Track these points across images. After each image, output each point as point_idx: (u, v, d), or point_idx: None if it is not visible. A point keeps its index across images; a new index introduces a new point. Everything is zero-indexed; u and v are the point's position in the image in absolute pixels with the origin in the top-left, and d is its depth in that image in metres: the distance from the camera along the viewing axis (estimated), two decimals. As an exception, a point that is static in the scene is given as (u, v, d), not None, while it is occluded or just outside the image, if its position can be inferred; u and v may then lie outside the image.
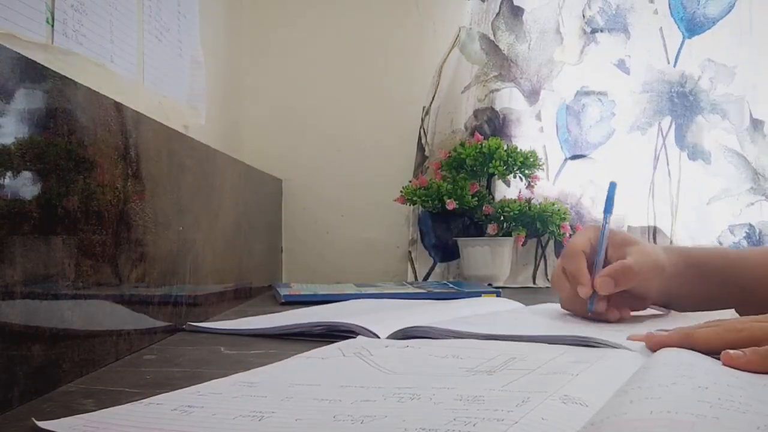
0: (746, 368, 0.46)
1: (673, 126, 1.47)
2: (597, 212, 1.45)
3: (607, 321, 0.73)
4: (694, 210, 1.46)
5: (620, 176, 1.45)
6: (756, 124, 1.44)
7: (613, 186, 0.80)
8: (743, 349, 0.48)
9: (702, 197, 1.46)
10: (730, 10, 1.44)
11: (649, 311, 0.81)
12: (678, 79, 1.46)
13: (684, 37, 1.46)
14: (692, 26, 1.45)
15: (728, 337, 0.51)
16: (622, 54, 1.46)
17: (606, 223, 0.77)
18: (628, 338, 0.58)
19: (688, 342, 0.52)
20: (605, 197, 0.80)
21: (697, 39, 1.45)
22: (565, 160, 1.48)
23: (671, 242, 1.45)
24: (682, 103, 1.46)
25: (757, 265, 0.80)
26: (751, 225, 1.44)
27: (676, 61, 1.46)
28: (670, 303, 0.81)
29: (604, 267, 0.74)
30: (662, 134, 1.47)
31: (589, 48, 1.46)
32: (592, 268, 0.74)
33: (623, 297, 0.75)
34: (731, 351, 0.48)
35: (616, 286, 0.71)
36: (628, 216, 1.46)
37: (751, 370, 0.46)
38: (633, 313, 0.77)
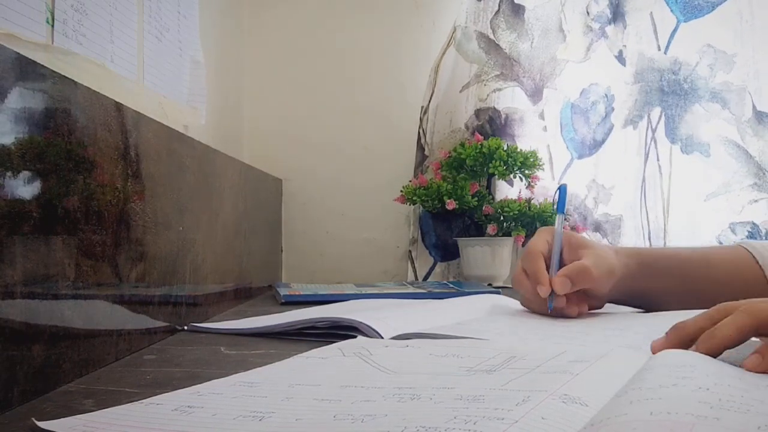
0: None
1: (663, 117, 1.42)
2: (597, 213, 1.45)
3: (569, 316, 0.78)
4: (689, 207, 1.41)
5: (617, 175, 1.45)
6: (760, 116, 1.38)
7: (563, 188, 0.86)
8: (697, 341, 0.49)
9: (699, 193, 1.41)
10: None
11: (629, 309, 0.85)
12: (669, 66, 1.41)
13: (679, 21, 1.41)
14: (689, 9, 1.41)
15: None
16: (620, 45, 1.43)
17: (559, 223, 0.83)
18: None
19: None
20: (557, 199, 0.85)
21: (694, 23, 1.40)
22: (572, 159, 1.46)
23: (665, 243, 1.42)
24: (674, 92, 1.41)
25: (721, 263, 0.84)
26: (754, 224, 1.39)
27: (667, 47, 1.41)
28: (628, 302, 0.85)
29: (560, 267, 0.79)
30: (651, 127, 1.42)
31: (597, 45, 1.43)
32: (550, 268, 0.79)
33: (580, 294, 0.80)
34: (752, 358, 0.47)
35: (573, 286, 0.76)
36: (624, 216, 1.44)
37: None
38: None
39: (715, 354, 0.48)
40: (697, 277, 0.83)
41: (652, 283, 0.83)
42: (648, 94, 1.42)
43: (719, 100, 1.40)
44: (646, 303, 0.84)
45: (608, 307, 0.86)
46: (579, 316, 0.78)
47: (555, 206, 0.85)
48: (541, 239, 0.82)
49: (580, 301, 0.79)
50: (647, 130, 1.43)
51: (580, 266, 0.77)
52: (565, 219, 1.06)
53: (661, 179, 1.43)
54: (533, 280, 0.78)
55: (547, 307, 0.77)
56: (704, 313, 0.53)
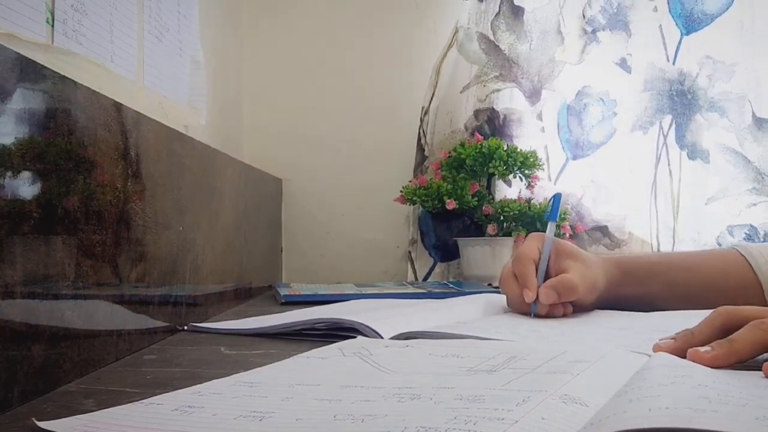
0: (713, 363, 0.47)
1: (674, 125, 1.45)
2: (598, 213, 1.45)
3: (554, 317, 0.80)
4: (693, 210, 1.44)
5: (621, 176, 1.46)
6: (760, 123, 1.41)
7: (558, 197, 0.88)
8: (711, 344, 0.49)
9: (701, 197, 1.44)
10: (729, 7, 1.42)
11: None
12: (677, 77, 1.44)
13: (682, 34, 1.44)
14: (690, 23, 1.43)
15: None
16: (623, 53, 1.45)
17: (551, 230, 0.85)
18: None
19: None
20: (550, 207, 0.88)
21: (694, 36, 1.43)
22: (567, 160, 1.47)
23: (674, 244, 1.43)
24: (681, 102, 1.44)
25: (708, 267, 0.86)
26: (752, 226, 1.41)
27: (675, 59, 1.44)
28: (615, 308, 0.86)
29: (546, 275, 0.82)
30: (663, 133, 1.45)
31: (591, 48, 1.45)
32: (537, 273, 0.82)
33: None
34: (701, 348, 0.48)
35: (557, 298, 0.79)
36: (630, 217, 1.44)
37: (718, 365, 0.46)
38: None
39: (726, 365, 0.47)
40: (681, 282, 0.85)
41: (636, 290, 0.86)
42: (660, 102, 1.45)
43: (717, 109, 1.43)
44: (633, 308, 0.85)
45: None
46: (564, 316, 0.81)
47: (548, 213, 0.87)
48: (532, 245, 0.84)
49: (566, 304, 0.82)
50: (659, 136, 1.45)
51: (568, 281, 0.80)
52: (557, 225, 1.08)
53: (671, 183, 1.45)
54: (522, 284, 0.81)
55: (531, 311, 0.80)
56: (706, 319, 0.53)
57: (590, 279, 0.82)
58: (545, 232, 0.85)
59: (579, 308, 0.84)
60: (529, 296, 0.79)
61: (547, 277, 0.82)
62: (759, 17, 1.41)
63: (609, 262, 0.87)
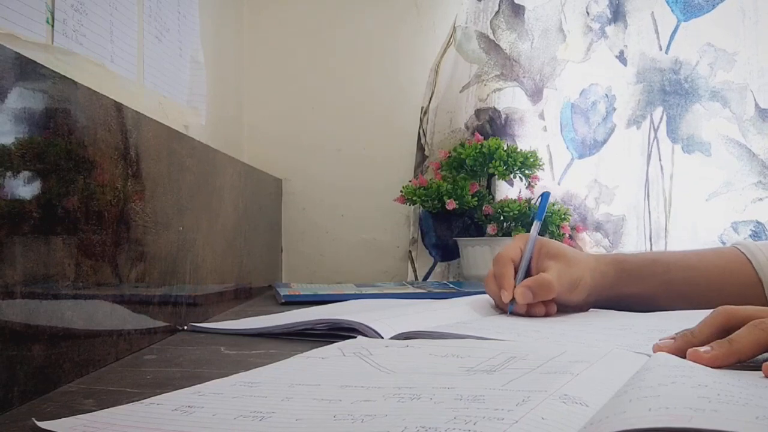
0: (713, 363, 0.47)
1: (665, 117, 1.41)
2: (599, 213, 1.44)
3: (535, 316, 0.80)
4: (691, 207, 1.40)
5: (619, 175, 1.44)
6: (764, 114, 1.37)
7: (546, 195, 0.88)
8: (711, 344, 0.49)
9: (701, 193, 1.40)
10: None
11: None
12: (671, 65, 1.40)
13: (679, 21, 1.40)
14: (689, 9, 1.40)
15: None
16: (621, 45, 1.42)
17: (535, 230, 0.85)
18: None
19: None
20: (537, 205, 0.86)
21: (693, 22, 1.40)
22: (572, 159, 1.46)
23: (666, 244, 1.41)
24: (675, 92, 1.40)
25: (708, 266, 0.85)
26: (758, 222, 1.37)
27: (668, 47, 1.41)
28: (612, 307, 0.86)
29: (528, 275, 0.81)
30: (653, 127, 1.42)
31: (598, 44, 1.42)
32: (517, 273, 0.82)
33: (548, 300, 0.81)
34: (700, 348, 0.48)
35: (534, 298, 0.78)
36: (628, 217, 1.43)
37: (718, 365, 0.47)
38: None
39: (726, 365, 0.47)
40: (681, 281, 0.84)
41: (635, 289, 0.85)
42: (650, 94, 1.42)
43: (719, 98, 1.39)
44: (633, 308, 0.84)
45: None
46: (547, 315, 0.80)
47: (534, 212, 0.87)
48: (514, 246, 0.84)
49: (548, 303, 0.81)
50: (650, 130, 1.42)
51: (543, 280, 0.79)
52: (557, 226, 1.06)
53: (663, 179, 1.42)
54: (499, 284, 0.81)
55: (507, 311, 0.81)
56: (705, 319, 0.53)
57: (571, 278, 0.81)
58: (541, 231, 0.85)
59: (571, 308, 0.83)
60: (505, 296, 0.80)
61: (529, 277, 0.82)
62: (762, 5, 1.37)
63: (604, 261, 0.86)
